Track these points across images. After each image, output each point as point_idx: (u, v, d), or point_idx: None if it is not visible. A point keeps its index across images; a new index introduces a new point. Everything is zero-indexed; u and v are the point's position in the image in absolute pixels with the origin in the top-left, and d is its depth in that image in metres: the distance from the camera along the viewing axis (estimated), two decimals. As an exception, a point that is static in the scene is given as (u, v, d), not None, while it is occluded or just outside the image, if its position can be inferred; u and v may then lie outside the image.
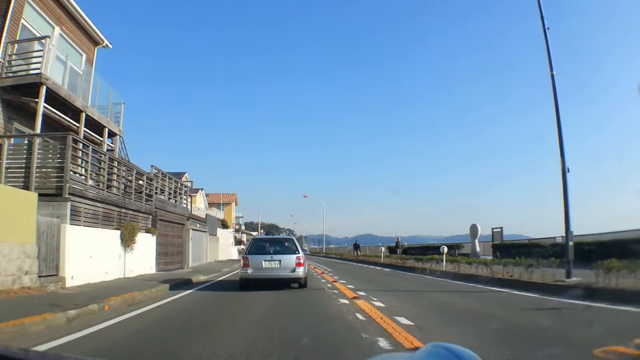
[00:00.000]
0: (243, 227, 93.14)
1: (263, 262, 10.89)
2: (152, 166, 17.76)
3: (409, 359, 1.72)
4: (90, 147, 12.78)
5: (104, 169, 13.67)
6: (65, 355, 2.28)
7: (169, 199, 20.44)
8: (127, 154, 20.11)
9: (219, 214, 61.37)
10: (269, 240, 13.07)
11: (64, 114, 15.15)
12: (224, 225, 43.03)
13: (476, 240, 27.82)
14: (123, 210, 14.53)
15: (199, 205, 51.37)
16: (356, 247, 36.12)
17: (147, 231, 16.43)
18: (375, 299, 8.77)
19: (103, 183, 13.53)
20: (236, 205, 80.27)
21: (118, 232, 13.73)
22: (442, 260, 18.88)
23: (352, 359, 4.22)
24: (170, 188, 20.61)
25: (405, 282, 14.71)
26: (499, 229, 26.29)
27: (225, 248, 37.17)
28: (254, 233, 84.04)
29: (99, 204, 12.91)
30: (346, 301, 8.46)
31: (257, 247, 11.72)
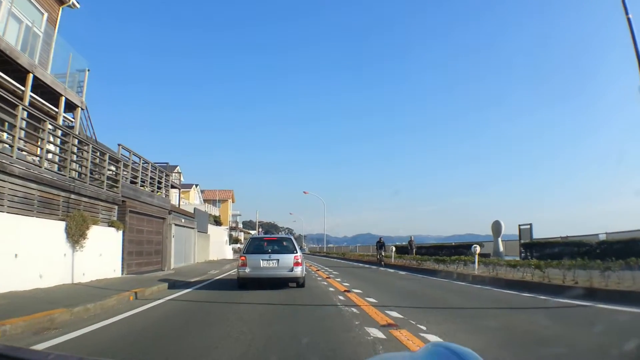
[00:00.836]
0: (241, 226, 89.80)
1: (261, 261, 10.77)
2: (119, 145, 14.45)
3: (409, 358, 1.68)
4: (21, 107, 9.50)
5: (44, 139, 10.38)
6: (65, 355, 1.96)
7: (145, 187, 17.17)
8: (93, 133, 16.87)
9: (215, 211, 58.09)
10: (267, 240, 12.60)
11: (6, 74, 12.01)
12: (217, 221, 39.58)
13: (499, 239, 24.62)
14: (73, 197, 11.26)
15: (193, 201, 48.09)
16: (380, 245, 25.73)
17: (111, 224, 13.16)
18: (422, 327, 5.49)
19: (41, 158, 10.26)
20: (233, 202, 76.82)
21: (63, 224, 10.47)
22: (474, 262, 15.62)
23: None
24: (146, 174, 17.31)
25: (440, 291, 11.43)
26: (528, 226, 23.03)
27: (218, 247, 33.74)
28: (252, 232, 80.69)
29: (32, 185, 9.64)
30: (379, 333, 5.14)
31: (255, 246, 11.53)
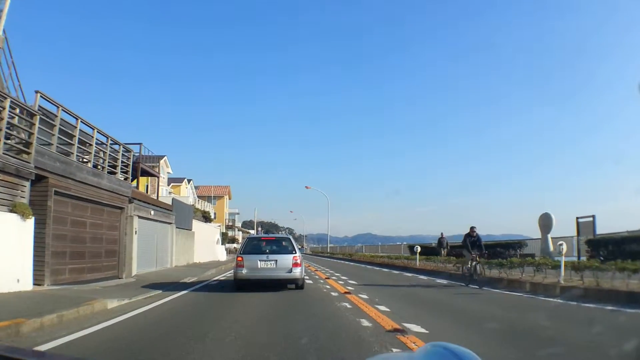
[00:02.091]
0: (239, 225, 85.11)
1: (258, 262, 10.44)
2: (37, 92, 9.71)
3: (408, 358, 1.64)
4: None
5: None
6: (65, 355, 2.05)
7: (89, 162, 12.46)
8: (20, 85, 12.27)
9: (210, 208, 53.39)
10: (264, 239, 12.20)
11: None
12: (206, 217, 34.62)
13: (549, 236, 19.92)
14: None
15: (185, 196, 43.32)
16: (474, 242, 12.88)
17: (13, 209, 8.51)
18: None
19: None
20: (230, 199, 72.11)
21: None
22: (553, 267, 10.95)
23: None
24: (90, 144, 12.53)
25: (551, 323, 6.78)
26: (590, 219, 18.30)
27: (207, 247, 28.93)
28: (252, 231, 75.94)
29: None
30: None
31: (252, 247, 11.22)
